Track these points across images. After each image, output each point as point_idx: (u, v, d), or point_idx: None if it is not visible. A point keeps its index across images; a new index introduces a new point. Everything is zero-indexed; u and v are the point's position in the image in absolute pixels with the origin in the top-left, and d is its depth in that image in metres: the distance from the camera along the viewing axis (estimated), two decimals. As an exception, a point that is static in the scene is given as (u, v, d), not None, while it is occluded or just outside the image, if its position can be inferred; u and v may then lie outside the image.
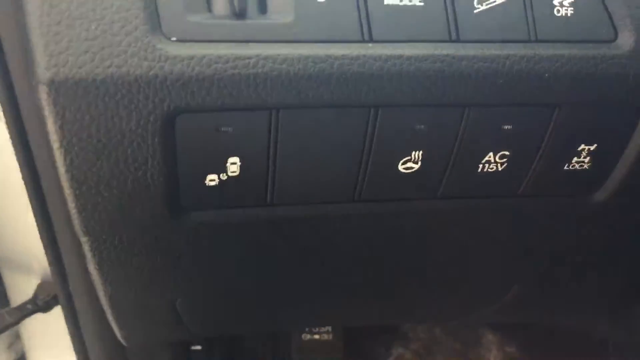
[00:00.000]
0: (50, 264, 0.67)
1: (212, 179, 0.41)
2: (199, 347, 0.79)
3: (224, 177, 0.41)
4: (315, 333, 0.85)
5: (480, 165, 0.44)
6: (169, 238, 0.45)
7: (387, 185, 0.44)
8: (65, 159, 0.38)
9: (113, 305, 0.52)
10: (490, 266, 0.55)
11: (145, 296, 0.50)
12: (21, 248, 0.73)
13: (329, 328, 0.85)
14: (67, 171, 0.38)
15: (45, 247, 0.64)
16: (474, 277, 0.56)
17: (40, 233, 0.64)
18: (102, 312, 0.68)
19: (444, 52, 0.40)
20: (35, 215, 0.63)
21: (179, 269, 0.48)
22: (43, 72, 0.35)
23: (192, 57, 0.36)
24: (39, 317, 0.78)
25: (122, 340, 0.59)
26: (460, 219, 0.49)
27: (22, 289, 0.76)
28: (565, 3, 0.42)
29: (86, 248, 0.46)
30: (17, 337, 0.82)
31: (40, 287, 0.73)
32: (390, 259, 0.52)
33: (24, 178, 0.60)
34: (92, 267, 0.48)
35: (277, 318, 0.57)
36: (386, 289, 0.56)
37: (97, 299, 0.68)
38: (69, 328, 0.73)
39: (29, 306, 0.74)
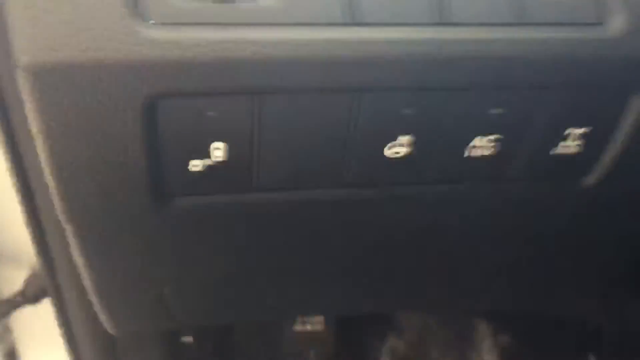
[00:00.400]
0: (38, 256, 0.66)
1: (195, 165, 0.41)
2: (189, 339, 0.79)
3: (208, 162, 0.41)
4: (307, 323, 0.84)
5: (469, 149, 0.44)
6: (154, 225, 0.44)
7: (373, 170, 0.44)
8: (45, 145, 0.37)
9: (100, 294, 0.52)
10: (481, 250, 0.54)
11: (131, 284, 0.50)
12: (10, 240, 0.73)
13: (321, 319, 0.84)
14: (48, 157, 0.38)
15: (32, 239, 0.64)
16: (465, 261, 0.56)
17: (27, 225, 0.63)
18: (92, 303, 0.68)
19: (431, 35, 0.40)
20: (22, 207, 0.62)
21: (165, 256, 0.47)
22: (21, 56, 0.35)
23: (173, 41, 0.36)
24: (29, 309, 0.78)
25: (110, 330, 0.58)
26: (449, 204, 0.49)
27: (12, 282, 0.75)
28: (554, -15, 0.41)
29: (70, 236, 0.45)
30: (8, 330, 0.82)
31: (29, 279, 0.73)
32: (378, 244, 0.51)
33: (10, 168, 0.59)
34: (77, 255, 0.47)
35: (266, 306, 0.57)
36: (374, 275, 0.55)
37: (86, 290, 0.67)
38: (58, 320, 0.73)
39: (18, 298, 0.73)
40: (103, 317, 0.56)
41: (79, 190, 0.40)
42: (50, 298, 0.71)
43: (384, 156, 0.43)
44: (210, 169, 0.41)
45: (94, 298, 0.53)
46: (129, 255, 0.46)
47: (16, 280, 0.75)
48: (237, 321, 0.62)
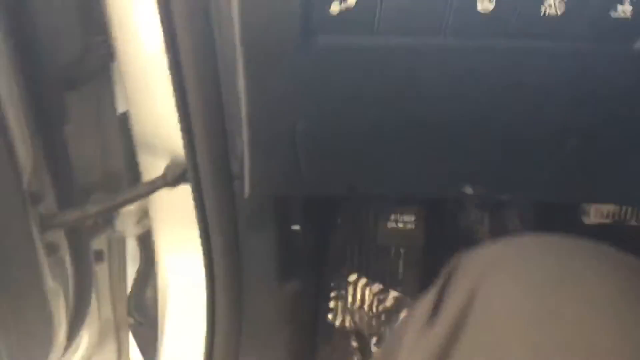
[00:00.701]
0: (183, 142, 0.79)
1: (335, 6, 0.53)
2: (297, 227, 0.91)
3: (344, 4, 0.52)
4: (399, 222, 0.94)
5: (543, 8, 0.53)
6: (298, 60, 0.56)
7: (468, 24, 0.54)
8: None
9: (248, 142, 0.64)
10: (548, 116, 0.62)
11: (273, 118, 0.62)
12: (151, 130, 0.86)
13: (413, 218, 0.94)
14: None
15: (181, 126, 0.76)
16: (533, 127, 0.63)
17: (178, 111, 0.76)
18: (225, 187, 0.80)
19: None
20: (174, 95, 0.75)
21: (304, 94, 0.59)
22: None
23: None
24: (167, 196, 0.91)
25: (248, 192, 0.70)
26: (525, 61, 0.58)
27: (155, 170, 0.88)
28: None
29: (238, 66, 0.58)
30: (146, 214, 0.96)
31: (170, 164, 0.86)
32: (464, 105, 0.61)
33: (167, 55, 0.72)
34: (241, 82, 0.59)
35: (382, 174, 0.67)
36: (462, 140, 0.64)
37: (221, 173, 0.80)
38: (194, 201, 0.85)
39: (159, 182, 0.86)
40: (246, 177, 0.68)
41: (253, 23, 0.54)
42: (188, 181, 0.84)
43: (477, 11, 0.53)
44: (345, 10, 0.52)
45: (244, 153, 0.65)
46: (275, 91, 0.58)
47: (156, 167, 0.87)
48: (353, 192, 0.71)
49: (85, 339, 1.03)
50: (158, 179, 0.85)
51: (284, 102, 0.60)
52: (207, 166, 0.79)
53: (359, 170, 0.66)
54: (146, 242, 0.99)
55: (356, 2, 0.53)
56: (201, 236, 0.86)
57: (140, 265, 1.04)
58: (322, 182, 0.68)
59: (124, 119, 0.87)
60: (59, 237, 0.85)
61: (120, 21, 0.77)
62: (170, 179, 0.85)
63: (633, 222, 0.97)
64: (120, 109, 0.88)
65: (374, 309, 1.04)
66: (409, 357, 0.40)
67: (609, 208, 0.97)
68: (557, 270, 0.38)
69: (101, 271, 0.99)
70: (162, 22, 0.66)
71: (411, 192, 0.70)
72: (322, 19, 0.54)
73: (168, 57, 0.71)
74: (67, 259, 0.89)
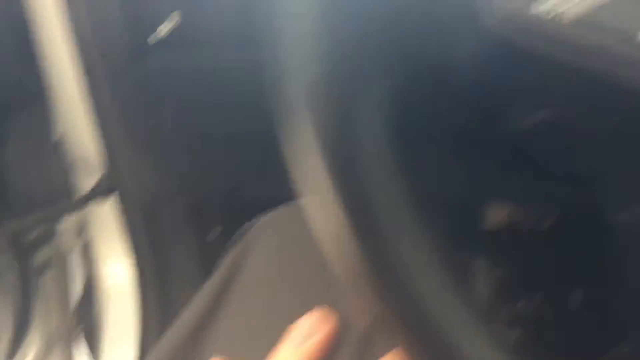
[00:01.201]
0: (107, 163, 0.90)
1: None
2: (213, 236, 1.00)
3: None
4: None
5: None
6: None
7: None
8: None
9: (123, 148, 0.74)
10: None
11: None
12: (86, 150, 0.96)
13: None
14: None
15: (103, 151, 0.88)
16: None
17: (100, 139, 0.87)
18: (145, 198, 0.90)
19: None
20: (95, 125, 0.86)
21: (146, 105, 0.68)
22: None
23: None
24: (103, 209, 1.01)
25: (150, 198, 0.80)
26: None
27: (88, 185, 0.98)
28: None
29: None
30: (85, 228, 1.06)
31: (100, 180, 0.96)
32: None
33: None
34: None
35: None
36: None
37: (141, 185, 0.90)
38: (121, 213, 0.95)
39: (90, 195, 0.96)
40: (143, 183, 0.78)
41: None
42: (115, 196, 0.94)
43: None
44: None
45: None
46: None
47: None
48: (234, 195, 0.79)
49: (31, 349, 1.11)
50: (89, 193, 0.96)
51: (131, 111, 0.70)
52: (128, 179, 0.90)
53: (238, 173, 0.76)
54: (87, 254, 1.08)
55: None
56: (129, 244, 0.96)
57: (83, 276, 1.13)
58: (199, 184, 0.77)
59: (61, 141, 0.97)
60: (1, 248, 0.94)
61: (52, 54, 0.89)
62: (100, 192, 0.95)
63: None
64: (57, 133, 0.99)
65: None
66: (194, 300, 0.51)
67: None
68: (290, 232, 0.50)
69: (45, 282, 1.07)
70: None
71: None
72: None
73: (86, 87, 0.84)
74: (11, 269, 0.98)
